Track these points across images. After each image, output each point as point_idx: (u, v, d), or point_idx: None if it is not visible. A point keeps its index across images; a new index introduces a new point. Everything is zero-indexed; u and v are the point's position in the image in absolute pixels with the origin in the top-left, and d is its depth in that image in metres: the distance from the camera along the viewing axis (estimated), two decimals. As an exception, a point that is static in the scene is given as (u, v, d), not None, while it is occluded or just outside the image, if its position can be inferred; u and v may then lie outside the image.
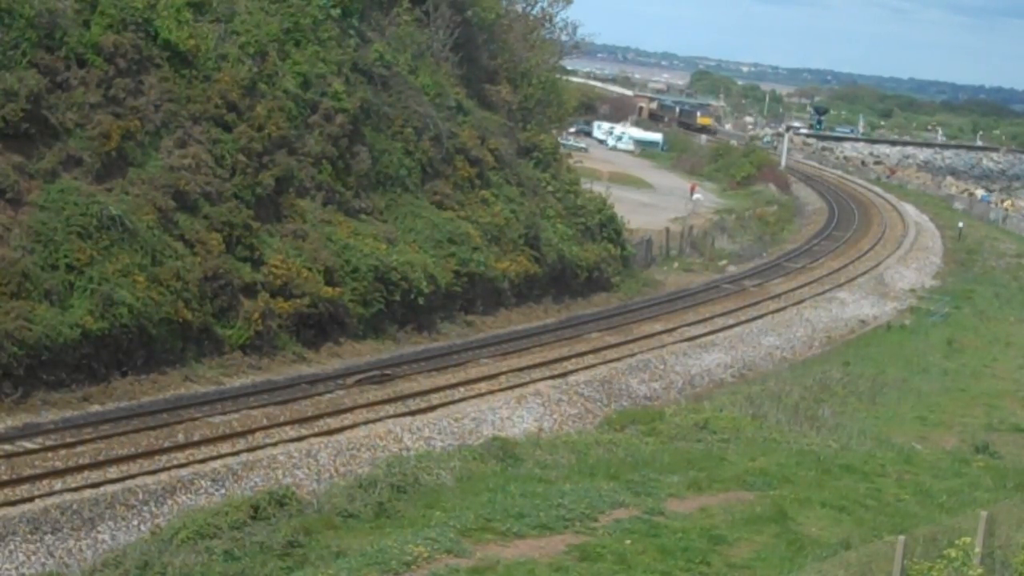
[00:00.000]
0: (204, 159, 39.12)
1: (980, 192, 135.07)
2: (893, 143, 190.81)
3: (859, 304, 59.44)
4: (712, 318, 51.28)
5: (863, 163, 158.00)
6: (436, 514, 20.88)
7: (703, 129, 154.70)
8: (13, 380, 30.59)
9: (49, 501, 24.61)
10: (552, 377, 38.85)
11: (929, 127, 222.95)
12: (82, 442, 28.28)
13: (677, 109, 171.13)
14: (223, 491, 26.55)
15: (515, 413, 35.00)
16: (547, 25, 74.90)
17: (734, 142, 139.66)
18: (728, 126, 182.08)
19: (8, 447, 27.58)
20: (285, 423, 31.49)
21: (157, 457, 27.92)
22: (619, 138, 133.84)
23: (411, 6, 53.78)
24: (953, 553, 15.39)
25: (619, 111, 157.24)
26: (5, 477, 25.72)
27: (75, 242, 33.78)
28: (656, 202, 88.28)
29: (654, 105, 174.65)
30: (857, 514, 22.10)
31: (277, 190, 41.76)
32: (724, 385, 43.06)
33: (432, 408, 34.26)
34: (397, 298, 42.64)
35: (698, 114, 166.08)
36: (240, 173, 40.37)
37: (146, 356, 34.16)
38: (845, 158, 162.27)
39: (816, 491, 23.30)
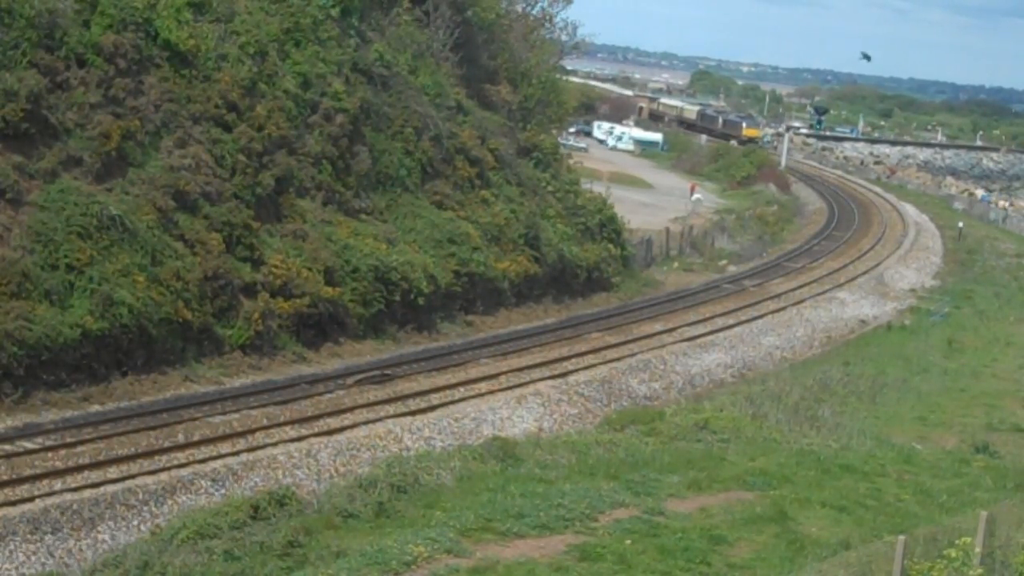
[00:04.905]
0: (204, 159, 39.12)
1: (980, 192, 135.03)
2: (893, 143, 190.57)
3: (859, 304, 59.42)
4: (712, 318, 51.28)
5: (863, 163, 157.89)
6: (436, 514, 20.87)
7: (749, 142, 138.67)
8: (13, 380, 30.59)
9: (49, 501, 24.62)
10: (552, 377, 38.84)
11: (929, 127, 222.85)
12: (82, 442, 28.29)
13: (720, 120, 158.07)
14: (223, 491, 26.55)
15: (515, 413, 35.00)
16: (547, 25, 75.05)
17: (734, 142, 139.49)
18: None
19: (8, 447, 27.59)
20: (285, 423, 31.50)
21: (157, 457, 27.93)
22: (619, 138, 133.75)
23: (411, 6, 53.80)
24: (953, 553, 15.39)
25: (619, 111, 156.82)
26: (5, 477, 25.73)
27: (75, 242, 33.78)
28: (656, 202, 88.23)
29: (693, 114, 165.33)
30: (857, 514, 22.09)
31: (277, 190, 41.77)
32: (724, 385, 43.05)
33: (432, 408, 34.26)
34: (397, 298, 42.64)
35: (744, 125, 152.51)
36: (240, 173, 40.37)
37: (146, 356, 34.16)
38: (845, 158, 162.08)
39: (816, 491, 23.29)
